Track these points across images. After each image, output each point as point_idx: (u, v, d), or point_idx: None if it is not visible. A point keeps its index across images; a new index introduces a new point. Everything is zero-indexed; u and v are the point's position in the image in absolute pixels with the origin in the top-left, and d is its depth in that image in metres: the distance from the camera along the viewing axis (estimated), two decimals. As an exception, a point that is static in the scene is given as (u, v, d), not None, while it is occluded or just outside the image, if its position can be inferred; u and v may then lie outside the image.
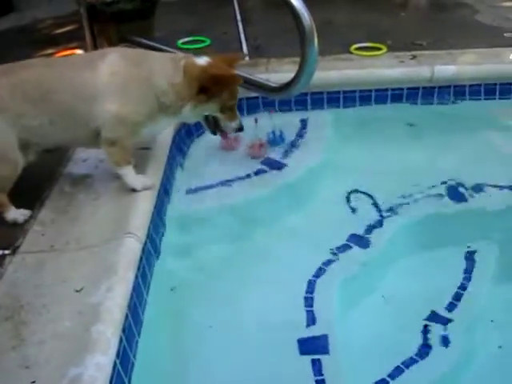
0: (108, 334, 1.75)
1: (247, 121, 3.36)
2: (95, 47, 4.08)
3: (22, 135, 2.28)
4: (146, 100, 2.37)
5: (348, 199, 2.99)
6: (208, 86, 2.38)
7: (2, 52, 4.44)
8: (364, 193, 3.03)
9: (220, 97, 2.44)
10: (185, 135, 3.32)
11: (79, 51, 4.22)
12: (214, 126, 2.60)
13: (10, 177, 2.32)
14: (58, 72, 2.35)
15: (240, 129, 2.61)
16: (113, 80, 2.31)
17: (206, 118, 2.57)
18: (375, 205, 2.94)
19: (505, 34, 4.45)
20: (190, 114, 2.47)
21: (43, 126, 2.29)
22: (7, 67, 2.35)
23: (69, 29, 4.82)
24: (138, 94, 2.36)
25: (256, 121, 3.20)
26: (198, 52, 3.97)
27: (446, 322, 2.35)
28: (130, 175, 2.44)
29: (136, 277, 2.10)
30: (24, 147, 2.33)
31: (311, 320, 2.26)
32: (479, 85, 3.76)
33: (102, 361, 1.66)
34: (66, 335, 1.77)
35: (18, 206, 2.37)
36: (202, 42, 4.35)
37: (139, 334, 2.06)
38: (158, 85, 2.36)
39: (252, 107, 3.53)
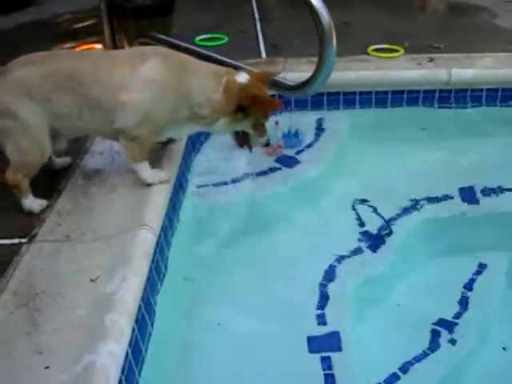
0: (122, 323, 1.78)
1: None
2: (114, 42, 4.11)
3: (51, 123, 2.32)
4: (179, 109, 2.39)
5: (360, 201, 2.99)
6: (246, 106, 2.39)
7: (21, 45, 4.49)
8: (376, 195, 3.03)
9: (256, 115, 2.46)
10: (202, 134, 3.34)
11: (98, 46, 4.26)
12: (242, 140, 2.60)
13: (38, 163, 2.36)
14: (93, 66, 2.35)
15: (267, 144, 2.65)
16: (150, 86, 2.32)
17: (236, 132, 2.57)
18: (387, 207, 2.93)
19: (524, 39, 4.44)
20: (223, 128, 2.49)
21: (71, 115, 2.32)
22: (38, 57, 2.38)
23: (88, 23, 4.86)
24: (173, 104, 2.37)
25: (277, 123, 3.22)
26: (216, 49, 4.02)
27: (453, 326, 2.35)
28: (145, 170, 2.46)
29: (150, 268, 2.13)
30: (53, 135, 2.37)
31: (322, 320, 2.28)
32: (496, 89, 3.74)
33: (114, 349, 1.68)
34: (79, 323, 1.79)
35: (35, 196, 2.39)
36: (220, 39, 4.37)
37: (152, 325, 2.08)
38: (195, 98, 2.37)
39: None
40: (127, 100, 2.30)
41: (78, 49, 4.28)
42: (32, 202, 2.38)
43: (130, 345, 1.80)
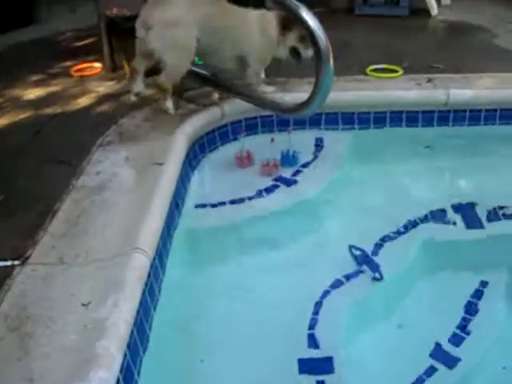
0: (112, 349, 1.75)
1: (263, 139, 3.39)
2: (113, 61, 4.14)
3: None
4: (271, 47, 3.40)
5: (358, 220, 2.96)
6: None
7: (21, 63, 4.52)
8: (376, 215, 3.00)
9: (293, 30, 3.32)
10: (198, 150, 3.34)
11: (97, 64, 4.27)
12: (297, 56, 3.42)
13: (183, 68, 3.23)
14: (233, 15, 3.34)
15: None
16: (260, 34, 3.35)
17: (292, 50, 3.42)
18: (387, 226, 2.91)
19: (523, 59, 4.44)
20: (282, 47, 3.39)
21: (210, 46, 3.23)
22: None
23: (88, 42, 4.88)
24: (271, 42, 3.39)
25: (272, 140, 3.20)
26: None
27: (451, 358, 2.30)
28: (268, 88, 3.51)
29: (143, 292, 2.10)
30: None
31: (314, 342, 2.25)
32: (495, 110, 3.74)
33: (105, 376, 1.66)
34: (71, 349, 1.76)
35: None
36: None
37: (144, 351, 2.05)
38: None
39: (267, 125, 3.55)
40: (250, 40, 3.37)
41: (77, 67, 4.29)
42: (170, 104, 3.31)
43: (121, 371, 1.78)
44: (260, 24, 3.35)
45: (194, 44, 3.15)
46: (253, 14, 3.38)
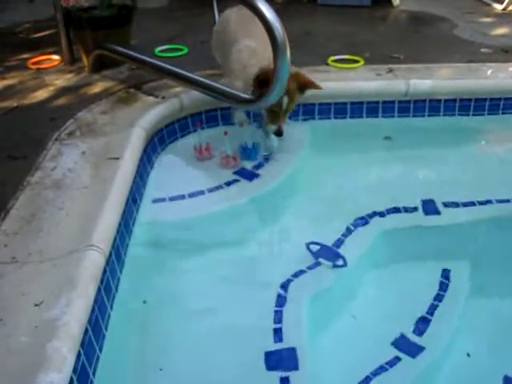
0: (64, 350, 1.71)
1: (219, 131, 3.35)
2: (71, 53, 4.05)
3: None
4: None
5: (320, 212, 2.96)
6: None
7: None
8: (337, 206, 3.00)
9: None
10: (157, 142, 3.29)
11: (56, 56, 4.19)
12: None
13: None
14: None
15: (278, 133, 3.08)
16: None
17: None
18: (348, 218, 2.91)
19: (482, 50, 4.49)
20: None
21: None
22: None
23: (46, 33, 4.77)
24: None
25: (226, 133, 3.16)
26: (176, 60, 3.99)
27: (414, 347, 2.32)
28: None
29: (99, 290, 2.07)
30: None
31: (278, 335, 2.24)
32: (454, 100, 3.77)
33: (55, 379, 1.62)
34: (20, 351, 1.72)
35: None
36: (180, 50, 4.33)
37: (101, 350, 2.02)
38: None
39: (227, 117, 3.52)
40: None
41: (35, 59, 4.20)
42: None
43: (74, 372, 1.74)
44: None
45: None
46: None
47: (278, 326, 2.27)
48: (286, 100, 2.97)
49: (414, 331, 2.39)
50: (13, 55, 4.35)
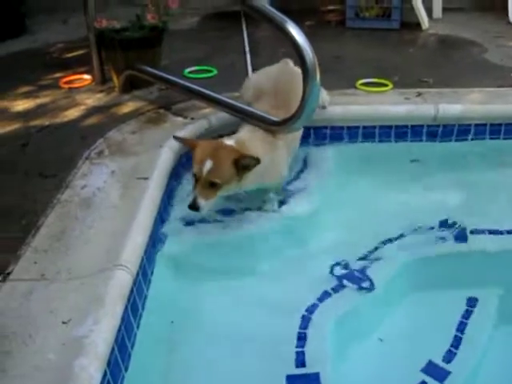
0: (91, 369, 1.72)
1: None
2: (102, 73, 4.13)
3: None
4: None
5: (347, 236, 2.95)
6: None
7: (10, 74, 4.50)
8: (364, 230, 2.99)
9: None
10: (186, 163, 3.30)
11: (87, 76, 4.26)
12: None
13: None
14: None
15: (190, 206, 2.57)
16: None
17: None
18: (375, 243, 2.89)
19: (512, 74, 4.46)
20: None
21: None
22: None
23: (78, 53, 4.87)
24: None
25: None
26: (205, 81, 4.03)
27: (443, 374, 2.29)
28: None
29: (126, 309, 2.08)
30: None
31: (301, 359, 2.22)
32: (484, 124, 3.73)
33: (82, 397, 1.63)
34: (48, 368, 1.74)
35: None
36: (209, 71, 4.37)
37: (126, 369, 2.03)
38: None
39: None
40: None
41: (67, 78, 4.28)
42: None
43: (101, 390, 1.75)
44: None
45: None
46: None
47: (300, 349, 2.26)
48: (208, 165, 2.52)
49: (443, 358, 2.35)
50: (46, 74, 4.45)
